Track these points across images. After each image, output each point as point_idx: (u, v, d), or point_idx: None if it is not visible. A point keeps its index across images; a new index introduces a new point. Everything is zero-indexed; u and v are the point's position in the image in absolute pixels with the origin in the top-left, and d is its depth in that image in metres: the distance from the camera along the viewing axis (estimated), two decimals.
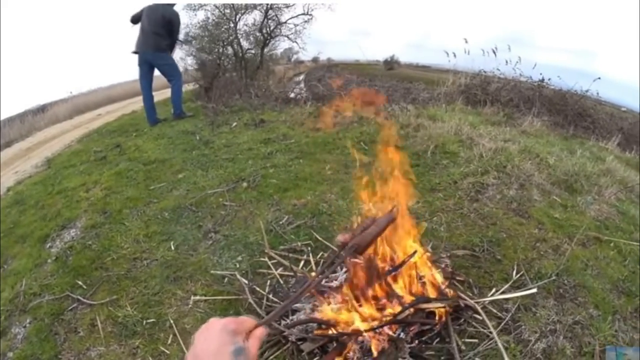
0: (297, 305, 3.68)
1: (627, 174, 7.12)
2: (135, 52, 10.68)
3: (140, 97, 11.58)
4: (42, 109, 17.99)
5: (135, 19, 10.86)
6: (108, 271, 4.89)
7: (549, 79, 11.75)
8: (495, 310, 3.78)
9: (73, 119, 16.49)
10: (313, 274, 4.14)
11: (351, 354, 3.25)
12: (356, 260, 3.32)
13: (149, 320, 4.07)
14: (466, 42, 12.61)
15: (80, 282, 4.78)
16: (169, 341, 3.83)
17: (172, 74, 11.00)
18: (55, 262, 5.30)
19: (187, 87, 13.97)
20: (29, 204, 7.25)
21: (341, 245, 2.32)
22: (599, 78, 11.16)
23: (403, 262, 3.51)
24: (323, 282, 3.91)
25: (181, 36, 12.40)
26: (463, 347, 3.40)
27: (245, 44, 15.14)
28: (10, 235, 6.27)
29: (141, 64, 10.66)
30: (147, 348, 3.80)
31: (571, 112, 10.91)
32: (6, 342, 4.27)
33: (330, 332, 3.33)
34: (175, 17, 10.78)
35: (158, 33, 10.45)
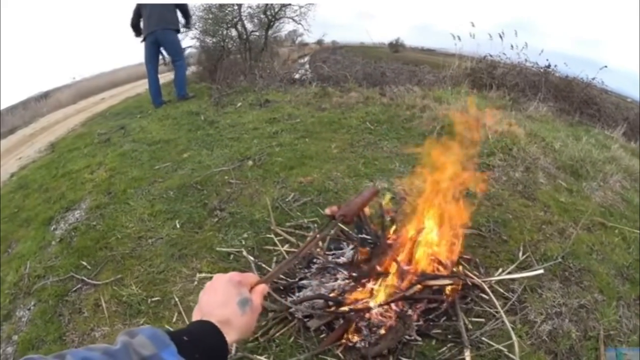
0: (304, 281, 3.66)
1: (632, 163, 7.07)
2: (143, 40, 10.66)
3: (144, 81, 11.58)
4: (45, 95, 17.97)
5: (135, 21, 10.90)
6: (112, 251, 4.88)
7: (555, 66, 11.70)
8: (501, 290, 3.76)
9: (77, 104, 16.49)
10: (319, 249, 4.12)
11: (358, 331, 3.24)
12: (365, 237, 3.31)
13: (153, 299, 4.06)
14: (473, 25, 12.56)
15: (84, 263, 4.77)
16: (174, 319, 3.81)
17: (177, 55, 11.00)
18: (60, 243, 5.30)
19: (191, 69, 13.93)
20: (33, 188, 7.27)
21: (330, 216, 2.34)
22: (605, 67, 11.13)
23: (410, 239, 3.49)
24: (330, 258, 3.90)
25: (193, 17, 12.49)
26: (470, 326, 3.39)
27: (249, 26, 15.07)
28: (15, 220, 6.29)
29: (149, 45, 10.66)
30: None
31: (577, 99, 10.86)
32: (11, 325, 4.27)
33: (337, 308, 3.31)
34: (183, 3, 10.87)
35: (168, 10, 10.46)
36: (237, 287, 1.21)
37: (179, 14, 11.01)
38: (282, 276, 4.02)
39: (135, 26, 10.87)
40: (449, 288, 3.45)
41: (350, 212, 2.44)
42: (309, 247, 1.97)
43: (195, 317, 1.17)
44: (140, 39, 10.87)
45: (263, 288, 1.32)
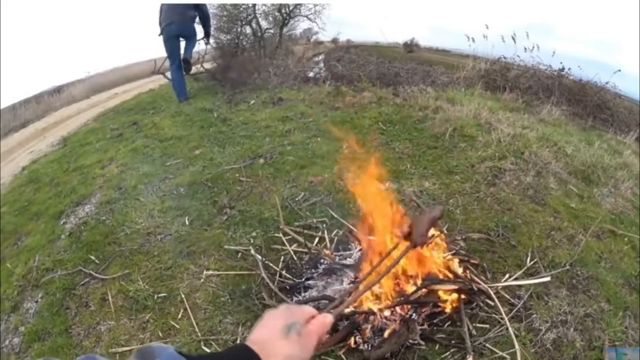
0: (310, 282, 3.67)
1: None
2: (160, 33, 10.58)
3: (158, 76, 11.53)
4: (58, 89, 17.96)
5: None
6: (121, 246, 4.92)
7: (569, 69, 11.60)
8: (507, 296, 3.75)
9: (90, 99, 16.50)
10: (327, 251, 4.12)
11: (362, 333, 3.24)
12: (371, 238, 3.30)
13: (160, 295, 4.09)
14: (487, 27, 12.51)
15: (92, 257, 4.82)
16: (179, 315, 3.84)
17: (193, 38, 10.92)
18: (69, 237, 5.34)
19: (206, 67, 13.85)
20: (44, 182, 7.32)
21: (405, 237, 2.25)
22: (619, 70, 11.00)
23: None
24: (337, 259, 3.91)
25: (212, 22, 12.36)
26: (474, 332, 3.37)
27: (264, 24, 15.09)
28: (25, 213, 6.33)
29: (171, 40, 10.53)
30: (157, 322, 3.82)
31: (590, 104, 10.70)
32: (18, 316, 4.32)
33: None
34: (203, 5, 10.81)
35: (184, 5, 10.33)
36: (286, 313, 1.14)
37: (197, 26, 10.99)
38: (288, 275, 4.03)
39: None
40: (454, 293, 3.44)
41: (422, 238, 2.40)
42: (384, 274, 1.92)
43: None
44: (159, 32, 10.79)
45: (324, 318, 1.22)
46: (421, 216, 2.37)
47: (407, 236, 2.16)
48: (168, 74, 11.04)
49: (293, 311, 1.16)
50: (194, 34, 10.90)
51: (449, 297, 3.44)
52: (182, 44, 10.76)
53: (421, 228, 2.25)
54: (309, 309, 1.23)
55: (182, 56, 10.77)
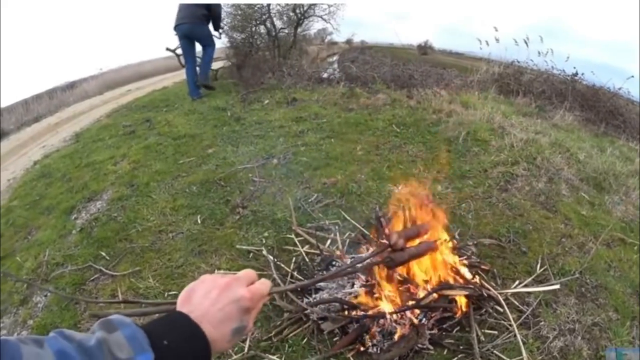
0: (321, 284, 3.67)
1: None
2: (174, 29, 10.67)
3: (171, 74, 11.61)
4: (71, 85, 18.05)
5: None
6: (132, 243, 4.94)
7: (582, 74, 11.55)
8: (517, 303, 3.74)
9: (103, 95, 16.55)
10: (338, 252, 4.13)
11: (371, 336, 3.24)
12: (383, 242, 3.30)
13: (170, 293, 4.09)
14: (496, 30, 12.49)
15: (103, 253, 4.84)
16: None
17: (208, 43, 11.03)
18: (80, 233, 5.37)
19: (218, 64, 13.83)
20: (56, 177, 7.36)
21: (382, 245, 2.27)
22: (632, 76, 10.94)
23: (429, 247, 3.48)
24: (349, 262, 3.90)
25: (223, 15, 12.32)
26: (482, 338, 3.37)
27: (278, 23, 14.95)
28: (36, 207, 6.38)
29: (182, 39, 10.75)
30: None
31: (603, 109, 10.62)
32: (27, 310, 4.34)
33: (352, 313, 3.32)
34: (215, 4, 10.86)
35: (196, 5, 10.40)
36: (242, 314, 1.09)
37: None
38: (300, 277, 4.04)
39: None
40: (464, 299, 3.44)
41: (398, 260, 2.42)
42: (341, 273, 1.93)
43: (182, 303, 1.07)
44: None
45: (259, 306, 1.19)
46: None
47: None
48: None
49: (249, 309, 1.12)
50: (206, 38, 11.00)
51: (459, 303, 3.44)
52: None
53: (397, 255, 2.28)
54: (260, 297, 1.18)
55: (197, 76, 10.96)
